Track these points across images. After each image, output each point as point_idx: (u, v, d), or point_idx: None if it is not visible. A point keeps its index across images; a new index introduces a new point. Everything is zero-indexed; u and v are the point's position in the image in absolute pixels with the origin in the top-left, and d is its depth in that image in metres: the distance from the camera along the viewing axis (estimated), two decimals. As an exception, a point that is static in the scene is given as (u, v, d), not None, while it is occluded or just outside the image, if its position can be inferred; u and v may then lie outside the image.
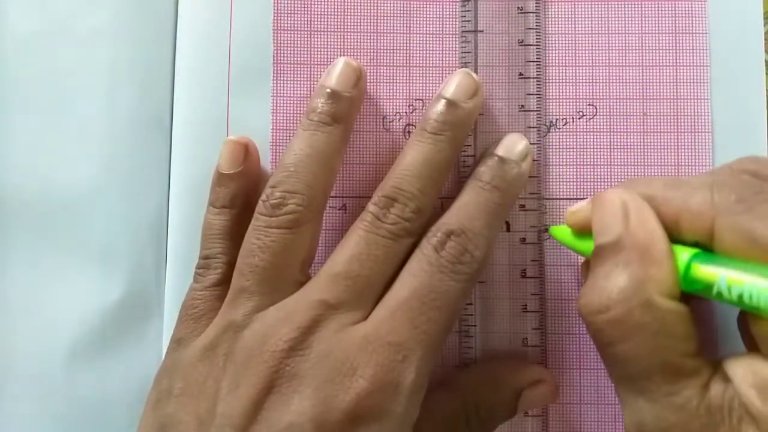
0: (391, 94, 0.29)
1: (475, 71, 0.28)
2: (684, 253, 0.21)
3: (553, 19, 0.29)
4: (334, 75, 0.26)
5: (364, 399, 0.22)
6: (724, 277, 0.19)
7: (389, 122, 0.29)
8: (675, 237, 0.21)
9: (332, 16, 0.29)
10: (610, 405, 0.28)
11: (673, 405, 0.20)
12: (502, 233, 0.28)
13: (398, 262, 0.24)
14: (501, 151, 0.26)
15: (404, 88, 0.29)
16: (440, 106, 0.26)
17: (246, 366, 0.23)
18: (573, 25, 0.29)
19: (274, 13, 0.29)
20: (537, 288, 0.28)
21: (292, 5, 0.29)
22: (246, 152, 0.27)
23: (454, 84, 0.26)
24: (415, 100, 0.29)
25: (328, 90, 0.26)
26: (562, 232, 0.25)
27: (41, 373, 0.29)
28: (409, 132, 0.29)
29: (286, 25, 0.29)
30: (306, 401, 0.22)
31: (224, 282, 0.26)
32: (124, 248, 0.29)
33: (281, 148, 0.29)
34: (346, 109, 0.26)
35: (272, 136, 0.29)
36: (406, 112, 0.29)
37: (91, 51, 0.30)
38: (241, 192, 0.27)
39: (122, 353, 0.29)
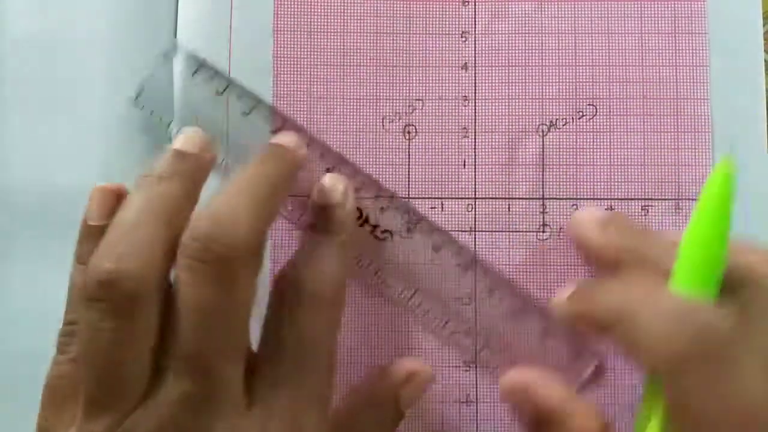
0: (391, 94, 0.29)
1: (474, 71, 0.28)
2: None
3: (553, 19, 0.29)
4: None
5: None
6: None
7: (389, 122, 0.29)
8: None
9: (332, 16, 0.29)
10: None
11: None
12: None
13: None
14: (323, 197, 0.25)
15: (404, 88, 0.29)
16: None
17: None
18: (573, 25, 0.29)
19: (274, 13, 0.29)
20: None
21: (292, 5, 0.29)
22: (118, 201, 0.23)
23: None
24: (415, 100, 0.29)
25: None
26: None
27: (42, 373, 0.29)
28: (408, 132, 0.29)
29: (286, 25, 0.29)
30: None
31: None
32: (123, 248, 0.29)
33: (281, 148, 0.29)
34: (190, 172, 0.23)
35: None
36: (406, 112, 0.29)
37: (91, 51, 0.29)
38: None
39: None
